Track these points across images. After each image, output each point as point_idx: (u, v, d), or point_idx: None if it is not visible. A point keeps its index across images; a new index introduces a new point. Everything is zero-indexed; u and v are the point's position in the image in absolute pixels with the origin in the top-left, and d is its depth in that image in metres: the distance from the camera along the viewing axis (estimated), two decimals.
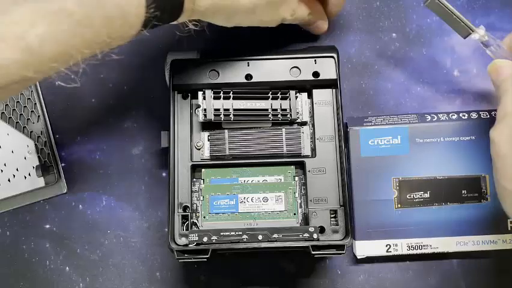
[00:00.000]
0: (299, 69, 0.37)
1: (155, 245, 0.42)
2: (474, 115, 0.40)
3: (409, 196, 0.40)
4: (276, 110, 0.37)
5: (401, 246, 0.39)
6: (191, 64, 0.37)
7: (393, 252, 0.40)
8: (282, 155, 0.37)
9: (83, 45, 0.24)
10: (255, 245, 0.34)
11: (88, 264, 0.42)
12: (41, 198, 0.43)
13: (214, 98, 0.37)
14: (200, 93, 0.37)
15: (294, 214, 0.36)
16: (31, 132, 0.43)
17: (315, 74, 0.37)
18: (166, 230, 0.35)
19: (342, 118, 0.37)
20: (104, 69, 0.45)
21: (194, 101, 0.38)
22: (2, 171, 0.42)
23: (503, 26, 0.44)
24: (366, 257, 0.40)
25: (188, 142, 0.37)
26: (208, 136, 0.38)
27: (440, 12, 0.35)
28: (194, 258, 0.34)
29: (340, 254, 0.34)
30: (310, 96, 0.38)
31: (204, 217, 0.36)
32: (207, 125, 0.38)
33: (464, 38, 0.36)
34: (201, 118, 0.37)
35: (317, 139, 0.37)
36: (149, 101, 0.44)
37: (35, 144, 0.43)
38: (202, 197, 0.37)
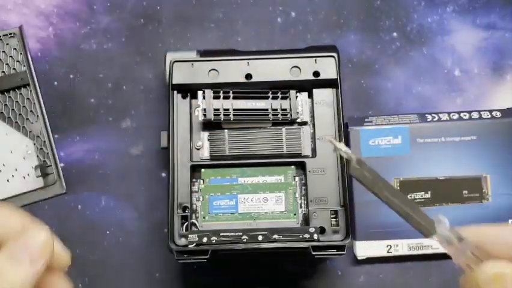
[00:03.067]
0: (299, 69, 0.37)
1: (155, 246, 0.42)
2: (475, 115, 0.40)
3: (410, 196, 0.39)
4: (276, 109, 0.37)
5: (402, 246, 0.39)
6: (191, 64, 0.37)
7: (394, 253, 0.39)
8: (282, 155, 0.37)
9: None
10: (255, 245, 0.34)
11: (88, 264, 0.42)
12: (40, 199, 0.42)
13: (214, 98, 0.37)
14: (200, 93, 0.37)
15: (294, 214, 0.36)
16: (30, 132, 0.43)
17: (316, 73, 0.37)
18: (166, 230, 0.35)
19: (343, 118, 0.37)
20: (103, 69, 0.45)
21: (194, 101, 0.38)
22: (0, 171, 0.42)
23: (504, 25, 0.44)
24: (367, 257, 0.40)
25: (188, 142, 0.37)
26: (208, 136, 0.37)
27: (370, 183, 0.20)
28: (194, 259, 0.34)
29: (340, 254, 0.34)
30: (310, 96, 0.38)
31: (204, 217, 0.36)
32: (206, 125, 0.38)
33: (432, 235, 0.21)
34: (201, 118, 0.37)
35: (317, 139, 0.37)
36: (149, 101, 0.44)
37: (34, 144, 0.43)
38: (201, 197, 0.36)
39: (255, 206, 0.36)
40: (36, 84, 0.43)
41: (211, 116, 0.36)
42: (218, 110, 0.36)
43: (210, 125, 0.38)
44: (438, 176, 0.39)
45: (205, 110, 0.36)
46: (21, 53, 0.44)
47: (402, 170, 0.39)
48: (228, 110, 0.36)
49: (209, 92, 0.37)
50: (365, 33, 0.44)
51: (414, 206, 0.20)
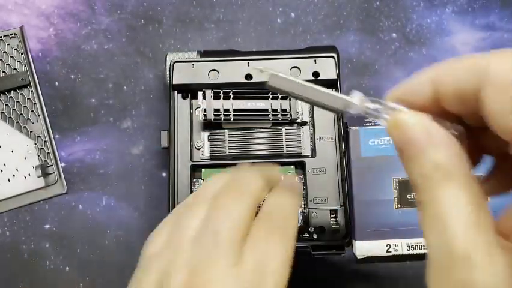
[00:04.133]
0: (299, 69, 0.37)
1: None
2: None
3: (409, 196, 0.40)
4: (276, 110, 0.37)
5: (401, 246, 0.39)
6: (191, 64, 0.37)
7: (393, 252, 0.40)
8: (282, 155, 0.37)
9: None
10: None
11: (88, 264, 0.42)
12: (41, 198, 0.43)
13: (214, 98, 0.37)
14: (200, 93, 0.37)
15: None
16: (31, 132, 0.43)
17: (315, 74, 0.37)
18: None
19: (342, 118, 0.37)
20: (104, 69, 0.45)
21: (194, 101, 0.38)
22: (1, 171, 0.42)
23: (503, 26, 0.44)
24: (366, 257, 0.40)
25: (188, 142, 0.37)
26: (208, 136, 0.38)
27: (290, 88, 0.21)
28: None
29: (340, 254, 0.34)
30: None
31: None
32: (207, 125, 0.38)
33: (339, 113, 0.22)
34: (201, 118, 0.37)
35: (317, 139, 0.37)
36: (149, 101, 0.44)
37: (35, 144, 0.43)
38: None
39: None
40: (37, 85, 0.43)
41: (211, 116, 0.36)
42: (218, 110, 0.37)
43: (210, 125, 0.38)
44: None
45: (205, 110, 0.37)
46: (22, 54, 0.44)
47: (401, 170, 0.39)
48: (228, 110, 0.37)
49: (209, 93, 0.37)
50: (365, 33, 0.45)
51: (329, 93, 0.21)
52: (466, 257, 0.15)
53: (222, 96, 0.37)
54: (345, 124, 0.41)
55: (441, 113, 0.19)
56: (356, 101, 0.20)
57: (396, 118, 0.18)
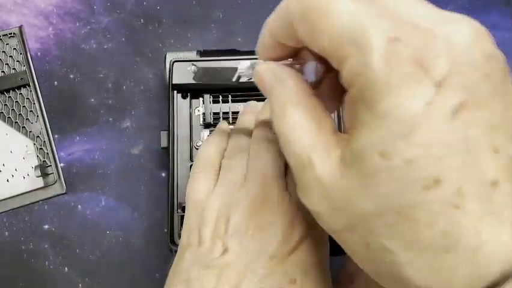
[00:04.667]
0: None
1: (155, 245, 0.42)
2: None
3: None
4: None
5: None
6: (191, 64, 0.37)
7: None
8: None
9: None
10: None
11: (88, 264, 0.42)
12: (40, 199, 0.43)
13: (213, 103, 0.37)
14: (200, 99, 0.37)
15: None
16: (30, 132, 0.43)
17: None
18: (166, 230, 0.35)
19: (343, 118, 0.37)
20: (103, 68, 0.45)
21: (194, 101, 0.38)
22: (0, 171, 0.42)
23: (504, 25, 0.44)
24: None
25: (188, 142, 0.37)
26: (208, 136, 0.38)
27: (210, 76, 0.25)
28: None
29: (340, 254, 0.34)
30: None
31: None
32: (206, 125, 0.38)
33: (238, 80, 0.25)
34: (201, 121, 0.37)
35: None
36: (149, 101, 0.44)
37: (34, 144, 0.43)
38: None
39: None
40: (36, 84, 0.43)
41: (210, 120, 0.37)
42: (217, 113, 0.37)
43: (210, 125, 0.38)
44: None
45: (204, 114, 0.37)
46: (21, 53, 0.44)
47: None
48: (227, 113, 0.37)
49: (208, 97, 0.37)
50: None
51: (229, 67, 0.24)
52: (308, 160, 0.18)
53: (220, 101, 0.37)
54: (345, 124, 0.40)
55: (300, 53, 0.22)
56: (240, 69, 0.23)
57: (256, 70, 0.22)
